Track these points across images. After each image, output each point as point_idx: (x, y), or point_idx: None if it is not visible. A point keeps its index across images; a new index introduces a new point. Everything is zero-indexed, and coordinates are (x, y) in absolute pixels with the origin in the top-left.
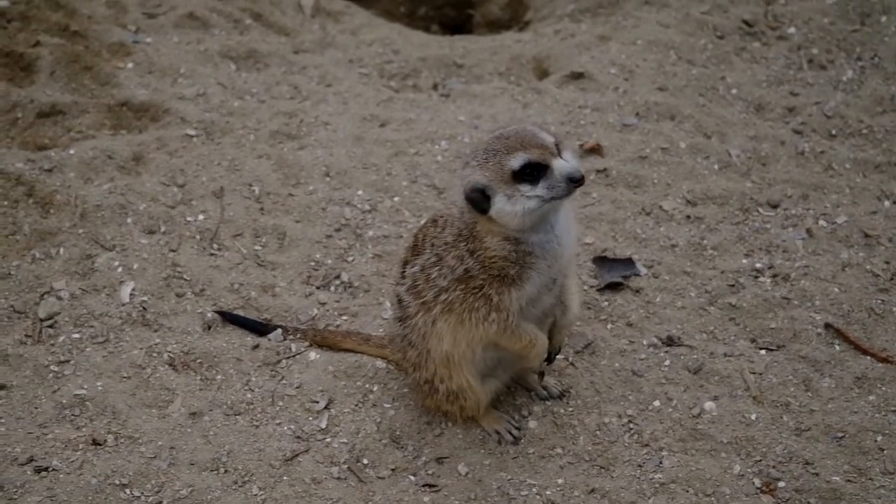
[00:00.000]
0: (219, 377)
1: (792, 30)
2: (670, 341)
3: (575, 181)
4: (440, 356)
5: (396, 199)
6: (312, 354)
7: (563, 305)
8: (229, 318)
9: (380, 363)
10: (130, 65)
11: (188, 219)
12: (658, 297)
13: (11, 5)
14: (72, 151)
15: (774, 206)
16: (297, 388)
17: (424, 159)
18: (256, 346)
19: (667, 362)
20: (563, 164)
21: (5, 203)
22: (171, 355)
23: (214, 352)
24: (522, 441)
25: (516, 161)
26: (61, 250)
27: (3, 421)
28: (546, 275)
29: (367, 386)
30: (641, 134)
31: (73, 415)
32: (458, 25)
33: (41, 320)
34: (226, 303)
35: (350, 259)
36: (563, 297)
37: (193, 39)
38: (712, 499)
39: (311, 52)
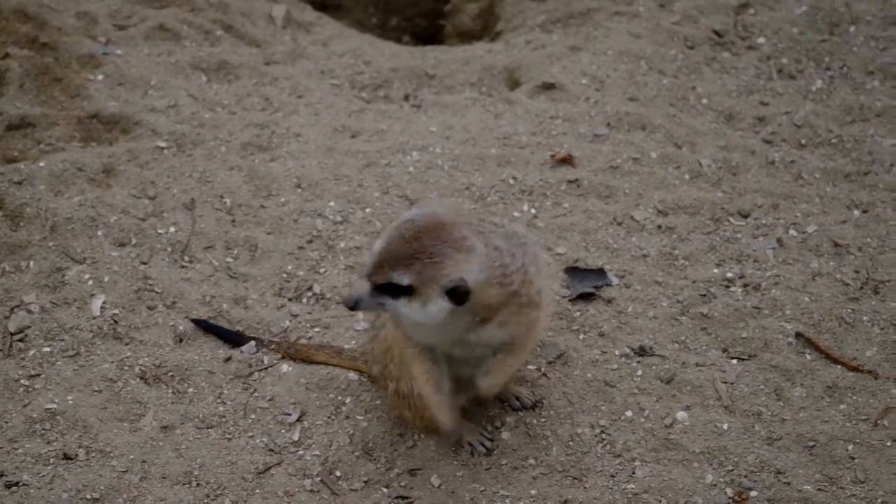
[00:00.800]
0: (191, 390)
1: (762, 40)
2: (642, 351)
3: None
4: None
5: (368, 210)
6: (284, 367)
7: (482, 370)
8: (204, 326)
9: (352, 375)
10: (101, 77)
11: (159, 231)
12: (630, 307)
13: None
14: (42, 164)
15: (745, 216)
16: (269, 400)
17: (396, 170)
18: (229, 359)
19: (639, 372)
20: None
21: None
22: (143, 368)
23: (186, 365)
24: (495, 452)
25: None
26: (31, 263)
27: None
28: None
29: (339, 398)
30: (613, 144)
31: (43, 429)
32: (429, 36)
33: (11, 334)
34: (198, 315)
35: (322, 271)
36: (485, 365)
37: (164, 51)
38: None
39: (282, 64)
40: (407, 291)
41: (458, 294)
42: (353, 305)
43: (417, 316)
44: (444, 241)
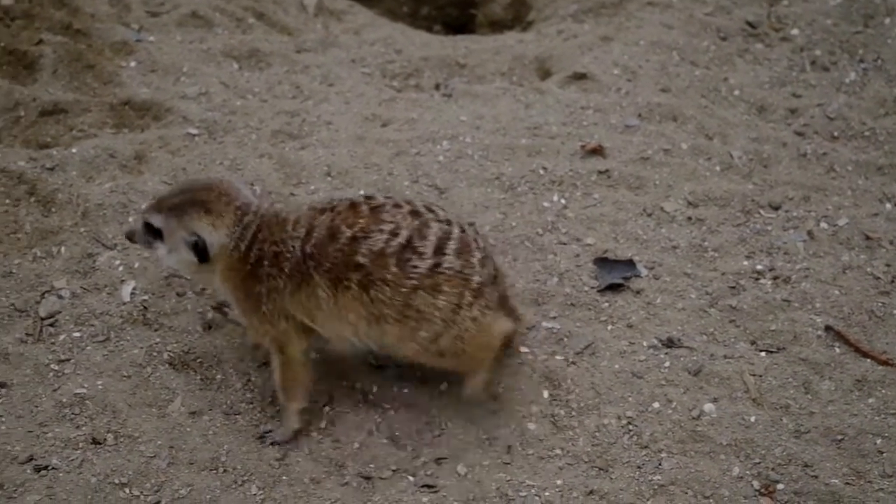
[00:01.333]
0: (219, 376)
1: (795, 31)
2: (670, 343)
3: None
4: None
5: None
6: (312, 353)
7: None
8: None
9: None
10: (133, 63)
11: None
12: (658, 298)
13: (15, 3)
14: (74, 150)
15: (776, 208)
16: None
17: (426, 159)
18: (257, 346)
19: (667, 364)
20: None
21: (7, 201)
22: (172, 354)
23: (214, 351)
24: (521, 442)
25: None
26: (62, 249)
27: (3, 419)
28: None
29: (366, 386)
30: (643, 135)
31: (73, 413)
32: (460, 25)
33: (42, 319)
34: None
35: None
36: None
37: (196, 38)
38: (711, 501)
39: (313, 52)
40: (160, 235)
41: (198, 250)
42: (129, 237)
43: (168, 261)
44: (203, 202)
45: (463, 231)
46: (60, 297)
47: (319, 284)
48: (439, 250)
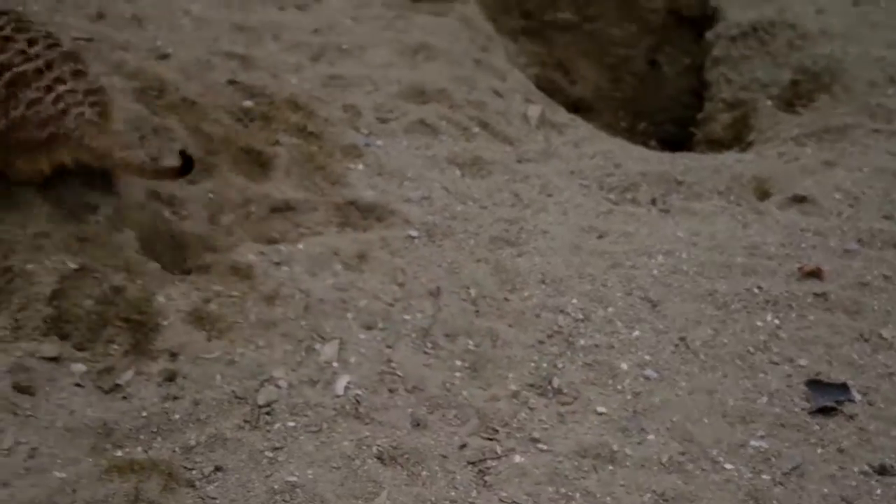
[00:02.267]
0: (424, 473)
1: None
2: (883, 470)
3: None
4: None
5: (610, 309)
6: (517, 457)
7: None
8: None
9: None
10: (361, 166)
11: (405, 317)
12: (872, 424)
13: (255, 105)
14: (300, 246)
15: None
16: (498, 488)
17: (640, 272)
18: (463, 446)
19: (878, 491)
20: None
21: (235, 293)
22: (380, 449)
23: (421, 448)
24: None
25: None
26: (283, 340)
27: (217, 502)
28: None
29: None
30: (863, 260)
31: (283, 500)
32: (677, 142)
33: (259, 407)
34: (433, 399)
35: (560, 366)
36: None
37: (422, 145)
38: None
39: (534, 162)
40: None
41: None
42: None
43: None
44: None
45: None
46: (278, 386)
47: None
48: None
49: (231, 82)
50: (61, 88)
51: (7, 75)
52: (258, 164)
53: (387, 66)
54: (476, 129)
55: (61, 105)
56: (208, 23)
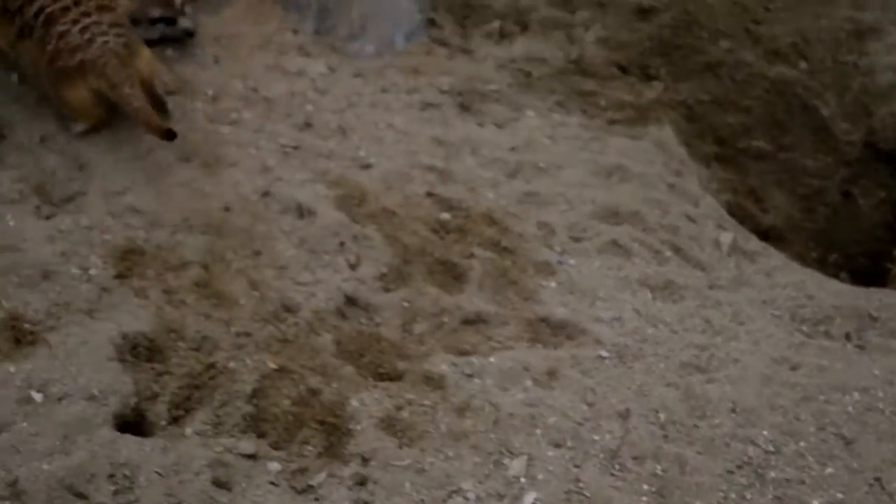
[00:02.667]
0: None
1: None
2: None
3: None
4: None
5: (802, 443)
6: None
7: None
8: None
9: None
10: (553, 284)
11: (594, 437)
12: None
13: (452, 218)
14: (492, 359)
15: None
16: None
17: (834, 408)
18: None
19: None
20: None
21: (427, 402)
22: None
23: None
24: None
25: None
26: (472, 453)
27: None
28: None
29: None
30: None
31: None
32: (868, 276)
33: None
34: None
35: (749, 497)
36: None
37: (615, 265)
38: None
39: (725, 289)
40: None
41: None
42: None
43: None
44: None
45: None
46: (466, 498)
47: None
48: None
49: (429, 194)
50: (87, 21)
51: (41, 17)
52: (452, 275)
53: (581, 185)
54: (668, 253)
55: (87, 35)
56: (409, 136)
